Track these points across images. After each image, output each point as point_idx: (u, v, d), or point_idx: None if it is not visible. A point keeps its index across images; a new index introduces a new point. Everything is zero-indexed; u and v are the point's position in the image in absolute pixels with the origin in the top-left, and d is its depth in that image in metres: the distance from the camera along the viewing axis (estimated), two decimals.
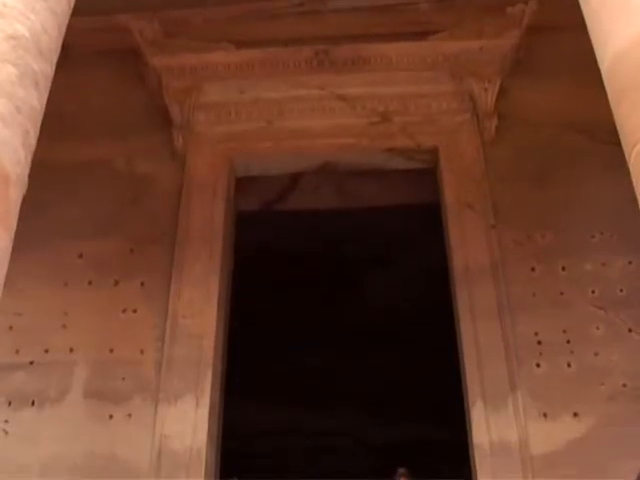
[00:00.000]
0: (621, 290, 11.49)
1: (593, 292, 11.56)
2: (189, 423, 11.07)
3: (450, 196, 12.74)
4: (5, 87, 6.26)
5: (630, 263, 11.66)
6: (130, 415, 11.22)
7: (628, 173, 6.24)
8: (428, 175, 13.51)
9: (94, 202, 12.71)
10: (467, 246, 12.22)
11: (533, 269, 11.89)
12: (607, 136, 10.86)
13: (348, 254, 16.45)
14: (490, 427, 10.83)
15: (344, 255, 16.46)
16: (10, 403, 11.30)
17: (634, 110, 6.06)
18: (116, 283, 12.22)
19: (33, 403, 11.31)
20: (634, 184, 6.05)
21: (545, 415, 10.84)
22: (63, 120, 12.69)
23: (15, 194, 6.38)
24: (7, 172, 6.20)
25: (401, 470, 11.85)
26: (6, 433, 11.08)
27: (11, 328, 11.72)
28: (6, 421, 11.15)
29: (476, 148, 12.96)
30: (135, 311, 12.03)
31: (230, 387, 12.42)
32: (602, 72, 6.72)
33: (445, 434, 15.96)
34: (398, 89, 13.35)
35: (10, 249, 6.33)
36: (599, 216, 11.99)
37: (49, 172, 12.00)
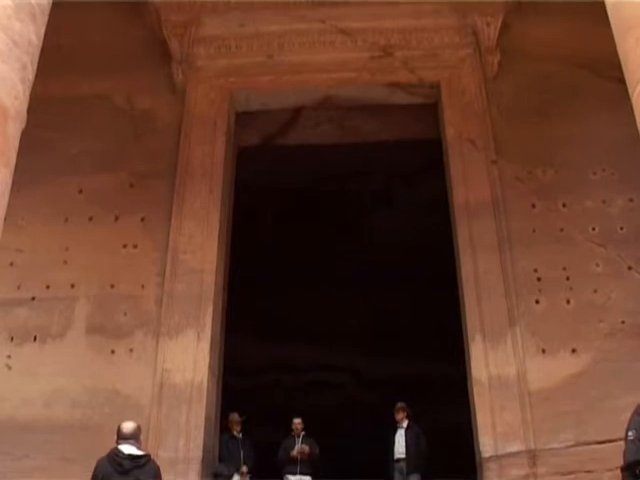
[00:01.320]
0: (621, 228, 11.49)
1: (593, 229, 11.56)
2: (190, 357, 11.17)
3: (451, 131, 12.67)
4: (1, 21, 6.18)
5: (631, 201, 11.64)
6: (132, 350, 11.31)
7: (631, 110, 6.19)
8: (430, 110, 13.43)
9: (94, 137, 12.64)
10: (468, 182, 12.19)
11: (533, 205, 11.88)
12: (610, 72, 10.83)
13: (349, 189, 16.41)
14: (489, 362, 10.92)
15: (345, 190, 16.42)
16: (12, 339, 11.38)
17: (639, 46, 5.98)
18: (116, 218, 12.21)
19: (35, 339, 11.39)
20: (637, 121, 6.01)
21: (543, 351, 10.92)
22: (62, 55, 12.58)
23: (14, 129, 6.34)
24: (5, 107, 6.15)
25: (400, 404, 12.00)
26: (9, 368, 11.17)
27: (12, 264, 11.75)
28: (9, 356, 11.25)
29: (478, 83, 12.86)
30: (136, 246, 12.05)
31: (231, 323, 12.49)
32: (607, 6, 6.62)
33: (444, 369, 16.06)
34: (400, 23, 13.18)
35: (10, 184, 6.31)
36: (601, 153, 11.94)
37: (48, 108, 11.93)
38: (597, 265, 11.31)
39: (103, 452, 7.05)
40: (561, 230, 11.62)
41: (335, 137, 13.89)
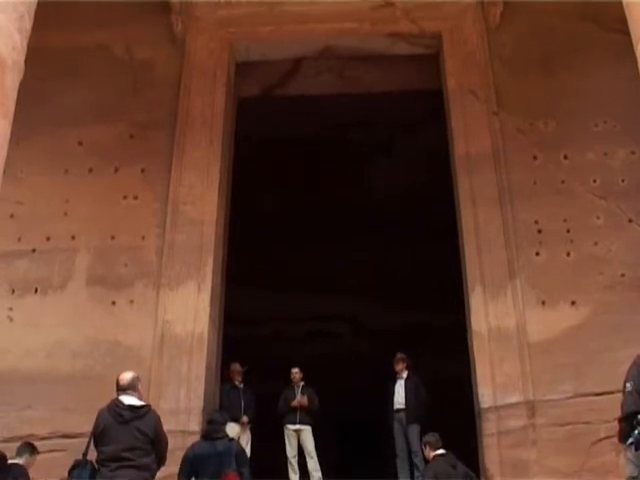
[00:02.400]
0: (623, 180, 11.46)
1: (594, 181, 11.53)
2: (191, 308, 11.23)
3: (453, 82, 12.60)
4: None
5: (633, 153, 11.60)
6: (132, 301, 11.36)
7: (635, 62, 6.15)
8: (431, 61, 13.33)
9: (93, 89, 12.55)
10: (469, 133, 12.16)
11: (535, 157, 11.84)
12: (614, 24, 10.72)
13: (350, 140, 16.32)
14: (489, 314, 10.98)
15: (346, 141, 16.33)
16: (13, 291, 11.42)
17: None
18: (116, 170, 12.19)
19: (36, 290, 11.43)
20: None
21: (543, 303, 10.96)
22: (60, 6, 12.41)
23: (11, 79, 6.32)
24: (2, 57, 6.12)
25: (400, 355, 12.06)
26: (11, 320, 11.23)
27: (12, 216, 11.75)
28: (10, 308, 11.29)
29: (480, 34, 12.74)
30: (136, 198, 12.03)
31: (231, 274, 12.52)
32: None
33: (444, 320, 16.12)
34: None
35: (8, 135, 6.29)
36: (603, 105, 11.85)
37: (47, 59, 11.87)
38: (598, 217, 11.30)
39: (105, 403, 7.10)
40: (562, 182, 11.61)
41: (336, 87, 13.82)
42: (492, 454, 10.34)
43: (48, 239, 11.69)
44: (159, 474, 6.98)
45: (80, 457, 6.92)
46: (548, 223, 11.36)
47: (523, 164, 11.76)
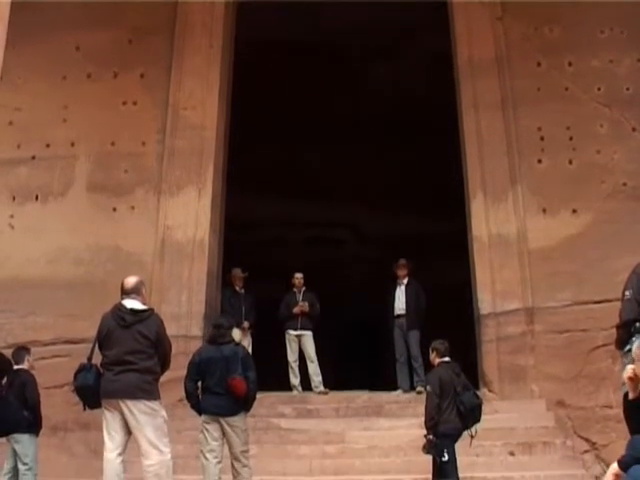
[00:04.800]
0: (627, 89, 11.33)
1: (599, 89, 11.40)
2: (191, 214, 11.28)
3: None
4: None
5: (638, 61, 11.42)
6: (133, 207, 11.40)
7: None
8: None
9: None
10: (472, 38, 12.01)
11: (539, 64, 11.70)
12: None
13: (350, 45, 16.11)
14: (489, 220, 11.02)
15: (346, 46, 16.12)
16: (14, 198, 11.46)
17: None
18: (115, 75, 12.07)
19: (37, 197, 11.46)
20: None
21: (544, 210, 10.98)
22: None
23: None
24: None
25: (402, 261, 12.10)
26: (12, 227, 11.28)
27: (11, 123, 11.69)
28: (11, 216, 11.34)
29: None
30: (135, 103, 11.95)
31: (231, 179, 12.50)
32: None
33: (445, 226, 16.12)
34: None
35: (4, 40, 6.20)
36: (610, 11, 11.60)
37: None
38: (601, 126, 11.22)
39: (107, 308, 7.14)
40: (566, 89, 11.49)
41: None
42: (490, 360, 10.51)
43: (48, 146, 11.66)
44: (163, 378, 7.05)
45: (85, 361, 6.99)
46: (551, 130, 11.29)
47: (527, 70, 11.64)
